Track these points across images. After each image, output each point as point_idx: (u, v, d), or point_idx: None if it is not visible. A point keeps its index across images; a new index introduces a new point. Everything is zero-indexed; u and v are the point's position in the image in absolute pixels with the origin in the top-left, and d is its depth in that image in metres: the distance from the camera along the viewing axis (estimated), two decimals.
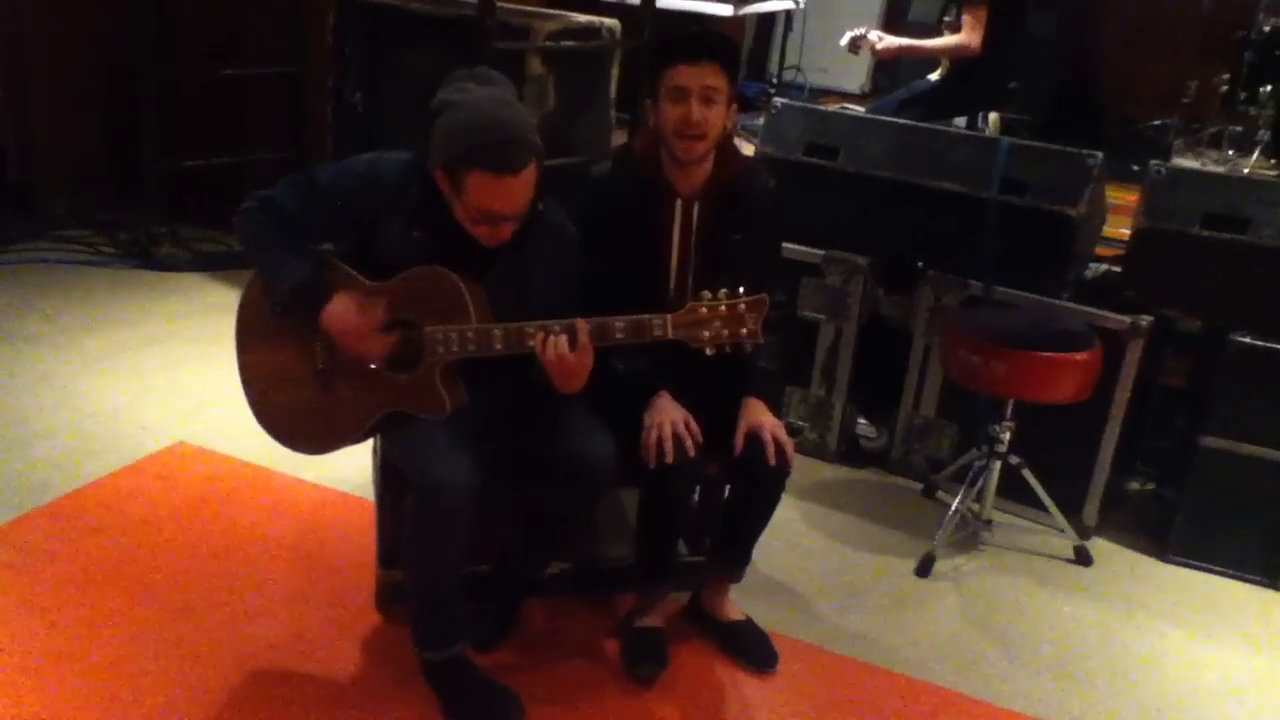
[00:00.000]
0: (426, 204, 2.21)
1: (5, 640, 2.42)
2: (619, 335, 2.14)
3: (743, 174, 2.51)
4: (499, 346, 2.17)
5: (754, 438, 2.40)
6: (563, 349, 2.12)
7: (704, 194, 2.46)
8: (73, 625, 2.49)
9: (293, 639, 2.53)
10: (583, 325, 2.13)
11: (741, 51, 6.50)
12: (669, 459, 2.31)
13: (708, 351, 2.12)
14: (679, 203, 2.46)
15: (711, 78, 2.32)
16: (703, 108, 2.32)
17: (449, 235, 2.20)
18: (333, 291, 2.23)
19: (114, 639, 2.46)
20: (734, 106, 2.41)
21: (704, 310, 2.10)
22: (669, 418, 2.34)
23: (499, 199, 2.11)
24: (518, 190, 2.12)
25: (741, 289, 2.11)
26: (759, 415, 2.43)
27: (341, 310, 2.21)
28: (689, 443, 2.33)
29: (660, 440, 2.31)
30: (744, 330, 2.10)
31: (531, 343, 2.14)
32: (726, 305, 2.10)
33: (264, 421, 2.40)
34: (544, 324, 2.14)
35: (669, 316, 2.12)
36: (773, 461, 2.37)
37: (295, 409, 2.35)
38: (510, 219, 2.16)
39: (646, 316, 2.12)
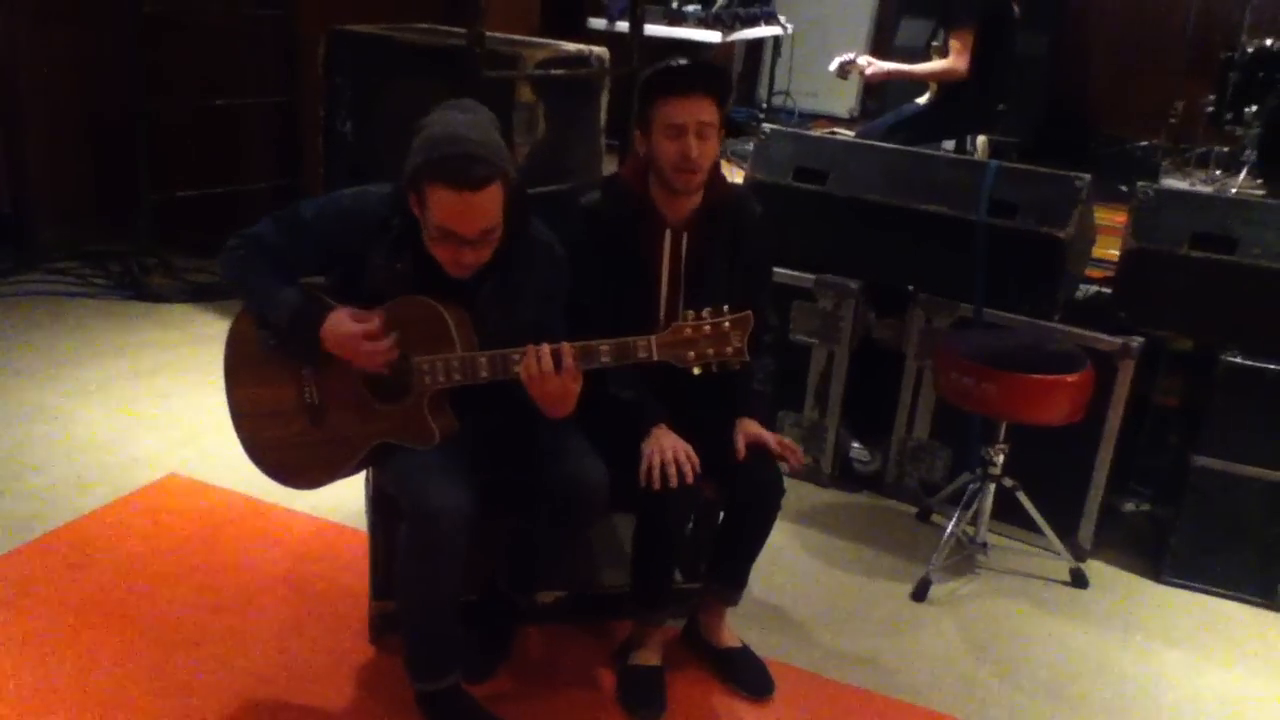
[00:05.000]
0: (409, 234, 2.20)
1: None
2: (604, 359, 2.13)
3: (731, 201, 2.52)
4: (484, 374, 2.16)
5: (755, 447, 2.43)
6: (547, 368, 2.10)
7: (693, 222, 2.47)
8: (65, 660, 2.47)
9: (286, 671, 2.51)
10: (568, 348, 2.11)
11: (731, 78, 6.54)
12: (672, 483, 2.31)
13: (695, 371, 2.10)
14: (668, 231, 2.46)
15: (705, 112, 2.32)
16: (699, 143, 2.32)
17: (432, 266, 2.20)
18: (327, 312, 2.23)
19: (106, 673, 2.44)
20: (722, 131, 2.42)
21: (689, 330, 2.08)
22: (669, 445, 2.35)
23: (457, 216, 2.08)
24: (478, 210, 2.08)
25: (726, 307, 2.10)
26: (758, 429, 2.46)
27: (339, 320, 2.21)
28: (688, 469, 2.33)
29: (663, 465, 2.31)
30: (730, 348, 2.08)
31: (517, 369, 2.13)
32: (711, 324, 2.08)
33: (256, 457, 2.40)
34: (527, 349, 2.13)
35: (653, 338, 2.10)
36: (778, 453, 2.43)
37: (286, 444, 2.35)
38: (470, 243, 2.12)
39: (631, 339, 2.11)
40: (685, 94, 2.32)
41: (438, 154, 2.06)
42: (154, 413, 3.69)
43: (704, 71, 2.37)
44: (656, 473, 2.31)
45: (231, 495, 3.20)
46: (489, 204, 2.10)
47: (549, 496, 2.30)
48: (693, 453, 2.36)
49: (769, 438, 2.45)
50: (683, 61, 2.37)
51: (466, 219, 2.09)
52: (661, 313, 2.49)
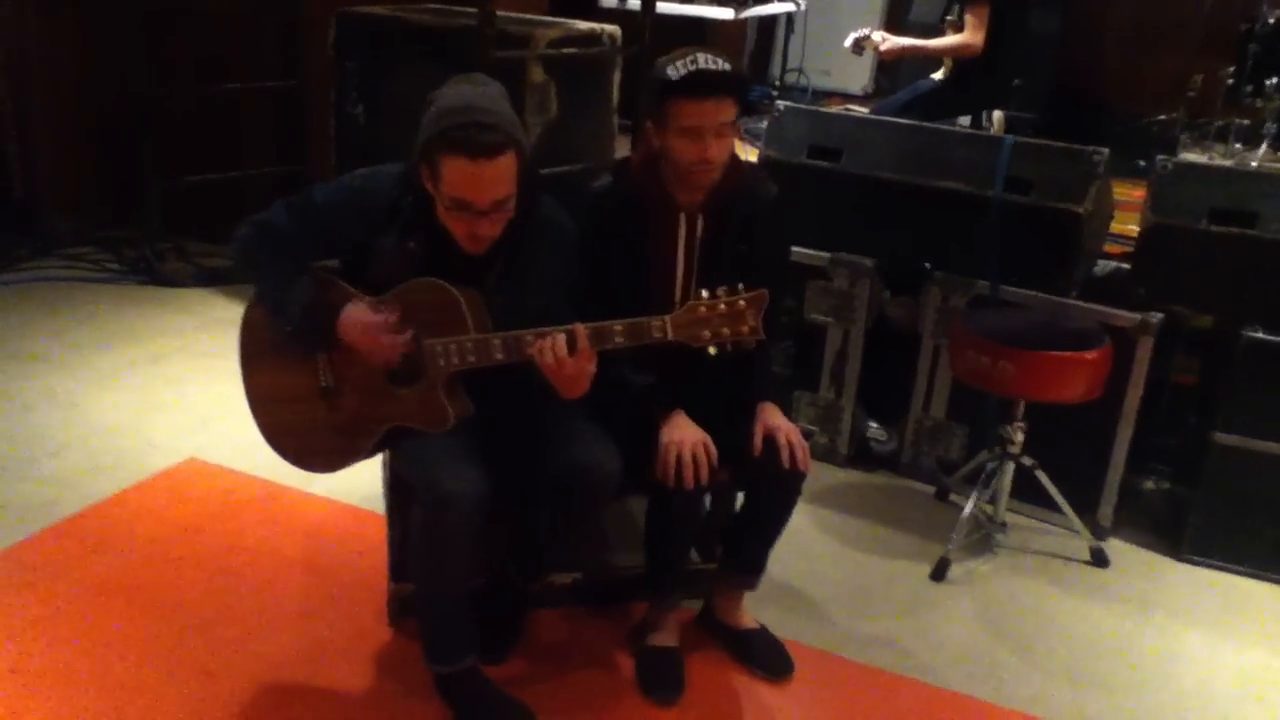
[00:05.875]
0: (420, 215, 2.19)
1: (16, 659, 2.42)
2: (619, 339, 2.11)
3: (745, 184, 2.47)
4: (499, 355, 2.16)
5: (770, 440, 2.39)
6: (561, 353, 2.09)
7: (707, 206, 2.44)
8: (83, 644, 2.49)
9: (304, 654, 2.52)
10: (581, 329, 2.10)
11: (743, 55, 6.49)
12: (688, 484, 2.29)
13: (710, 350, 2.09)
14: (682, 216, 2.44)
15: (724, 113, 2.28)
16: (717, 143, 2.29)
17: (444, 245, 2.19)
18: (340, 304, 2.23)
19: (124, 657, 2.46)
20: (739, 125, 2.39)
21: (703, 309, 2.07)
22: (688, 438, 2.32)
23: (471, 186, 2.07)
24: (491, 179, 2.07)
25: (741, 286, 2.08)
26: (775, 418, 2.42)
27: (357, 313, 2.20)
28: (705, 470, 2.31)
29: (680, 463, 2.29)
30: (745, 327, 2.06)
31: (530, 350, 2.12)
32: (725, 303, 2.06)
33: (272, 441, 2.41)
34: (541, 330, 2.12)
35: (668, 317, 2.08)
36: (787, 464, 2.36)
37: (302, 428, 2.35)
38: (484, 213, 2.11)
39: (645, 319, 2.10)
40: (706, 97, 2.27)
41: (449, 123, 2.05)
42: (170, 397, 3.70)
43: (724, 75, 2.29)
44: (673, 470, 2.30)
45: (248, 479, 3.20)
46: (502, 172, 2.08)
47: (561, 483, 2.30)
48: (710, 444, 2.33)
49: (781, 434, 2.39)
50: (703, 59, 2.28)
51: (480, 188, 2.08)
52: (677, 297, 2.45)
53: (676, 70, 2.28)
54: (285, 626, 2.60)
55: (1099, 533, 3.20)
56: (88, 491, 3.09)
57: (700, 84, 2.27)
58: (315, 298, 2.22)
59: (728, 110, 2.29)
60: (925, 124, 3.69)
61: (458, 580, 2.26)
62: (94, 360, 3.94)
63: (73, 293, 4.55)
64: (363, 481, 3.08)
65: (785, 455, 2.36)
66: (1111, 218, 3.57)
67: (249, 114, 5.14)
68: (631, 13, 4.34)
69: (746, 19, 5.67)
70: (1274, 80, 4.54)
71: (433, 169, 2.10)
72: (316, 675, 2.46)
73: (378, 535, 2.80)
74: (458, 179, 2.07)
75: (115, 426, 3.48)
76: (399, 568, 2.59)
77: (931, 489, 3.46)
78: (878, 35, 4.51)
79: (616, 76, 3.62)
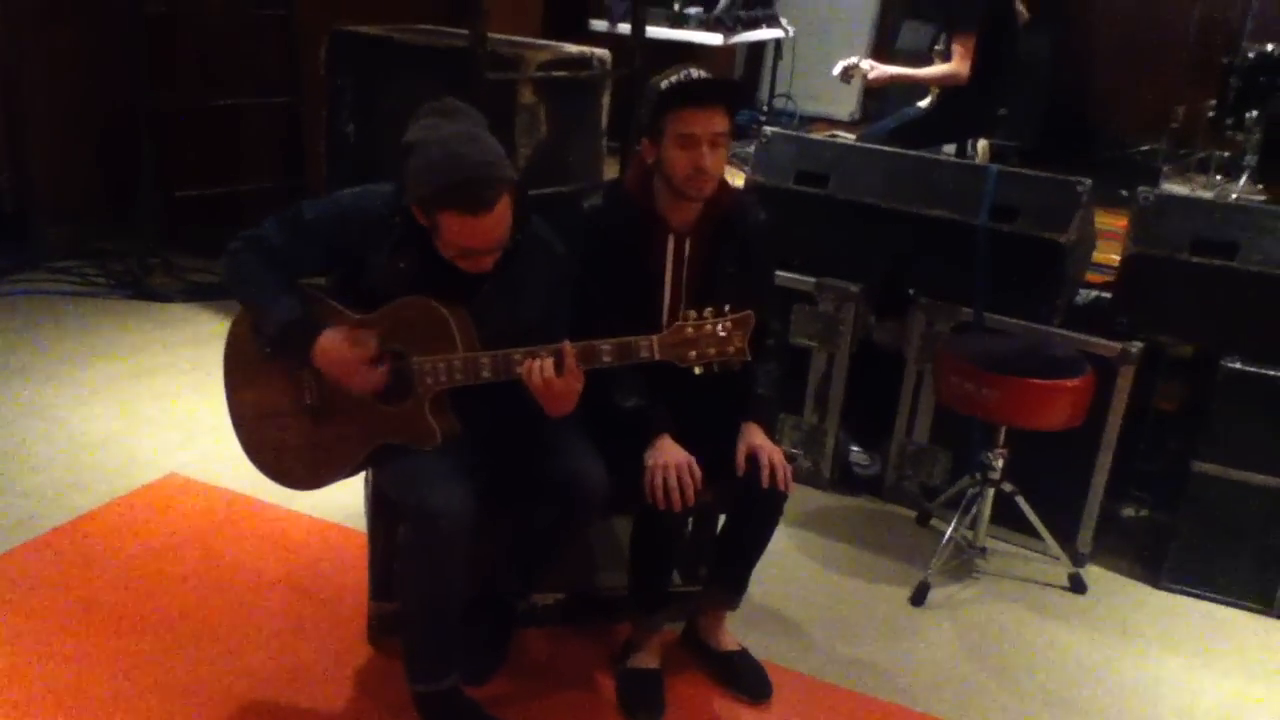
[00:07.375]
0: (410, 234, 2.21)
1: None
2: (606, 358, 2.13)
3: (735, 207, 2.51)
4: (486, 375, 2.17)
5: (752, 460, 2.40)
6: (549, 374, 2.11)
7: (697, 228, 2.46)
8: (64, 660, 2.47)
9: (285, 672, 2.51)
10: (569, 349, 2.12)
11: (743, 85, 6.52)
12: (675, 507, 2.30)
13: (696, 370, 2.11)
14: (671, 237, 2.46)
15: (718, 123, 2.32)
16: (712, 152, 2.33)
17: (434, 263, 2.20)
18: (321, 327, 2.23)
19: (106, 673, 2.44)
20: (731, 139, 2.42)
21: (690, 330, 2.09)
22: (673, 461, 2.33)
23: (473, 236, 2.12)
24: (490, 225, 2.12)
25: (727, 307, 2.10)
26: (758, 438, 2.44)
27: (331, 345, 2.21)
28: (690, 492, 2.32)
29: (666, 485, 2.30)
30: (731, 348, 2.08)
31: (519, 370, 2.13)
32: (713, 324, 2.08)
33: (255, 459, 2.40)
34: (530, 350, 2.14)
35: (655, 337, 2.11)
36: (766, 484, 2.37)
37: (286, 445, 2.35)
38: (488, 251, 2.16)
39: (633, 338, 2.12)
40: (701, 105, 2.31)
41: (444, 182, 2.07)
42: (154, 412, 3.69)
43: (719, 83, 2.36)
44: (660, 494, 2.31)
45: (231, 495, 3.20)
46: (500, 217, 2.13)
47: (548, 493, 2.31)
48: (695, 467, 2.34)
49: (763, 454, 2.41)
50: (695, 72, 2.35)
51: (480, 235, 2.12)
52: (665, 318, 2.48)
53: (669, 81, 2.35)
54: (266, 644, 2.59)
55: (1078, 559, 3.22)
56: (70, 506, 3.07)
57: (693, 92, 2.33)
58: (297, 317, 2.23)
59: (721, 120, 2.33)
60: (911, 151, 3.73)
61: (443, 598, 2.26)
62: (78, 374, 3.92)
63: (58, 306, 4.54)
64: (345, 499, 3.07)
65: (766, 475, 2.38)
66: (1094, 247, 3.60)
67: (248, 128, 5.16)
68: (622, 36, 4.37)
69: (735, 45, 5.71)
70: (1254, 114, 4.61)
71: (431, 219, 2.14)
72: (297, 693, 2.45)
73: (359, 553, 2.80)
74: (458, 232, 2.12)
75: (98, 441, 3.46)
76: (380, 586, 2.58)
77: (913, 514, 3.47)
78: (866, 63, 4.55)
79: (606, 99, 3.65)
